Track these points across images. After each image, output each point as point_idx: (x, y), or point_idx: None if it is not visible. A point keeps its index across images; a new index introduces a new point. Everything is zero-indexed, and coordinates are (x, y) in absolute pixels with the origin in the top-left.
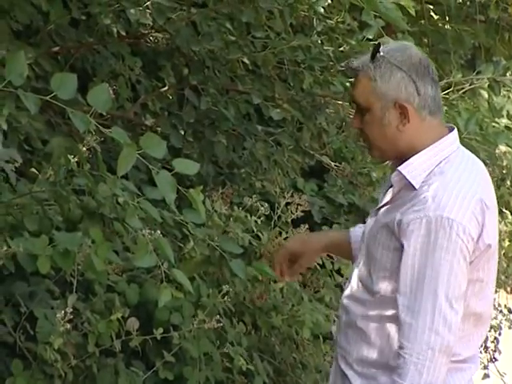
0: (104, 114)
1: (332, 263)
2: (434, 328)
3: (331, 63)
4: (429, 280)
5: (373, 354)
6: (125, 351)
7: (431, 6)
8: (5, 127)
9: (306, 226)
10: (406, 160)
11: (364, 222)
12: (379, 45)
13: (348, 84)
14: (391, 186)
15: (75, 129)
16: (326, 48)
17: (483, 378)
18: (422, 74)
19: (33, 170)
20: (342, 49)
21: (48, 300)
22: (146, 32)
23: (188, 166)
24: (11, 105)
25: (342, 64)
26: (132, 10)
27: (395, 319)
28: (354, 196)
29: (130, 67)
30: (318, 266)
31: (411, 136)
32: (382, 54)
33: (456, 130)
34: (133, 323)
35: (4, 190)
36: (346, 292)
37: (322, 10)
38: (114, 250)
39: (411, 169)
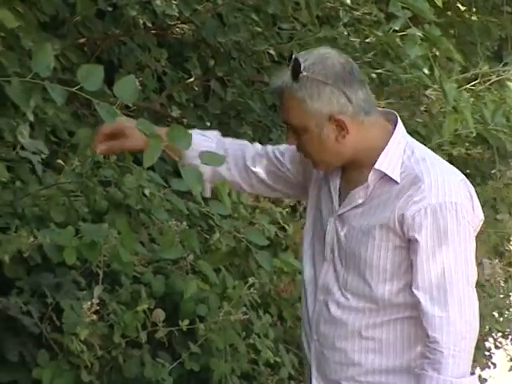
0: (130, 105)
1: None
2: (465, 317)
3: (357, 54)
4: (449, 268)
5: (390, 361)
6: (151, 342)
7: None
8: (32, 119)
9: None
10: (359, 161)
11: None
12: (298, 62)
13: (374, 75)
14: (354, 188)
15: (101, 120)
16: (352, 39)
17: None
18: (348, 81)
19: (59, 161)
20: (368, 40)
21: (74, 291)
22: (172, 23)
23: (214, 158)
24: (38, 96)
25: (369, 55)
26: (158, 2)
27: (410, 319)
28: None
29: (157, 59)
30: None
31: (355, 142)
32: (303, 72)
33: (398, 116)
34: (159, 315)
35: (31, 181)
36: (330, 305)
37: (349, 1)
38: (140, 242)
39: (386, 165)
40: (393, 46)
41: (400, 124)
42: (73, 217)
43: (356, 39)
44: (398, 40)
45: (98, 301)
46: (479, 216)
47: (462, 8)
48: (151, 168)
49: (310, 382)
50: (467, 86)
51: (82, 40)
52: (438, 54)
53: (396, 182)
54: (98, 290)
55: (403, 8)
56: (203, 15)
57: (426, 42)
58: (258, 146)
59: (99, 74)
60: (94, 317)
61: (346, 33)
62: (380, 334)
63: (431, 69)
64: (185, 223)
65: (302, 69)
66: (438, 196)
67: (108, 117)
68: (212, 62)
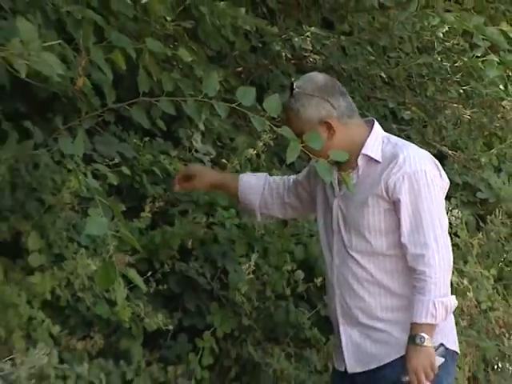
0: (275, 117)
1: None
2: (441, 253)
3: (448, 75)
4: (425, 217)
5: (394, 301)
6: (293, 295)
7: None
8: (202, 128)
9: None
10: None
11: (474, 196)
12: (292, 84)
13: (461, 91)
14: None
15: (254, 129)
16: (444, 64)
17: None
18: (331, 92)
19: (223, 160)
20: (456, 64)
21: (236, 258)
22: (307, 55)
23: (340, 155)
24: (207, 112)
25: (457, 76)
26: (296, 39)
27: (404, 267)
28: (467, 177)
29: None
30: None
31: (341, 139)
32: (296, 89)
33: (375, 120)
34: (299, 275)
35: None
36: (344, 265)
37: (441, 35)
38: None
39: (370, 151)
40: (476, 69)
41: (377, 124)
42: (233, 202)
43: (447, 64)
44: (479, 64)
45: (253, 263)
46: (446, 180)
47: None
48: (292, 164)
49: (338, 329)
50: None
51: (239, 69)
52: (511, 74)
53: (378, 162)
54: (254, 257)
55: (484, 39)
56: (330, 48)
57: (501, 65)
58: (290, 177)
59: (252, 93)
60: (252, 276)
61: (439, 59)
62: (386, 280)
63: (506, 85)
64: None
65: (295, 87)
66: (411, 166)
67: (259, 126)
68: None
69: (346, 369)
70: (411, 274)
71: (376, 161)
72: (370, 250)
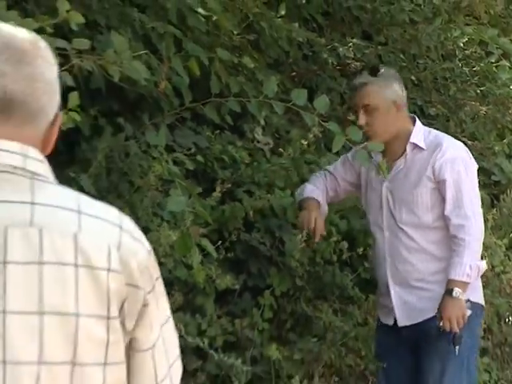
0: (323, 113)
1: None
2: (478, 224)
3: (467, 78)
4: (465, 194)
5: (436, 265)
6: (339, 261)
7: None
8: (263, 123)
9: None
10: (396, 138)
11: (489, 179)
12: (378, 67)
13: (478, 91)
14: (395, 160)
15: (306, 123)
16: (464, 68)
17: None
18: (400, 82)
19: (280, 149)
20: (474, 69)
21: (291, 229)
22: (350, 62)
23: (376, 146)
24: (267, 109)
25: (475, 78)
26: (341, 49)
27: (445, 237)
28: (483, 162)
29: (340, 84)
30: None
31: (400, 122)
32: (380, 72)
33: (416, 116)
34: (344, 245)
35: (262, 161)
36: (395, 236)
37: (462, 44)
38: None
39: (417, 140)
40: (490, 72)
41: (417, 120)
42: (289, 183)
43: (467, 68)
44: (494, 68)
45: (305, 234)
46: (475, 165)
47: None
48: (337, 153)
49: (388, 290)
50: None
51: (293, 73)
52: None
53: (423, 149)
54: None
55: (497, 48)
56: (369, 56)
57: None
58: (326, 174)
59: (304, 94)
60: (304, 245)
61: (460, 64)
62: (431, 248)
63: None
64: None
65: (380, 69)
66: (452, 153)
67: (310, 121)
68: None
69: (394, 323)
70: (452, 240)
71: (420, 148)
72: (417, 222)
